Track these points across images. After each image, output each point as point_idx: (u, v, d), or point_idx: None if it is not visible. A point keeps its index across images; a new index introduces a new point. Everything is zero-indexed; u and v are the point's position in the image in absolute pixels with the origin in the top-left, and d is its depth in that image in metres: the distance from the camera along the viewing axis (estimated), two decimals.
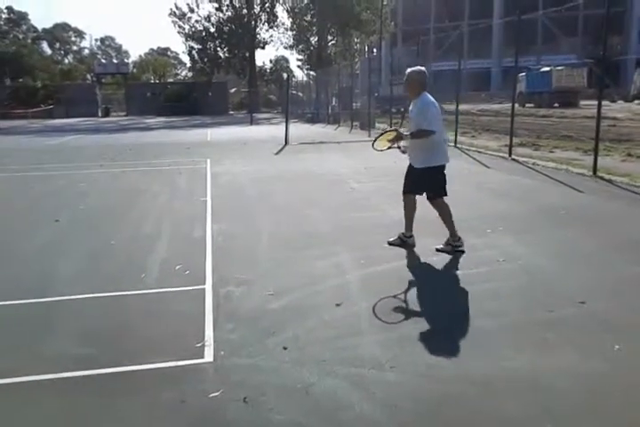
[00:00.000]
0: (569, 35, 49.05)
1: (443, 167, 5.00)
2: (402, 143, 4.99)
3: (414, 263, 4.71)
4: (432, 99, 4.88)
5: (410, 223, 5.19)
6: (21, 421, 2.53)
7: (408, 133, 4.89)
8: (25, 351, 3.22)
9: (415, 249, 5.02)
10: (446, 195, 5.05)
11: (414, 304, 3.79)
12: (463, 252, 4.91)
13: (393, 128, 5.01)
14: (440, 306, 3.78)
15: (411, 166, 5.10)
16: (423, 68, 4.98)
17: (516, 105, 12.99)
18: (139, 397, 2.70)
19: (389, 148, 5.00)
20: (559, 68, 35.80)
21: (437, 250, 4.97)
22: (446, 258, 4.81)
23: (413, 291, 4.06)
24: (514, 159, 11.45)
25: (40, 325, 3.60)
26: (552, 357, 3.00)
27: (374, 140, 5.13)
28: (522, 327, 3.38)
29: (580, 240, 5.30)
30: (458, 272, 4.44)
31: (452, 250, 4.93)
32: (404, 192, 5.17)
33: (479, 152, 13.02)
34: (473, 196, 7.68)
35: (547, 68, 36.30)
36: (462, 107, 16.04)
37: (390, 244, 5.16)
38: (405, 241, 5.17)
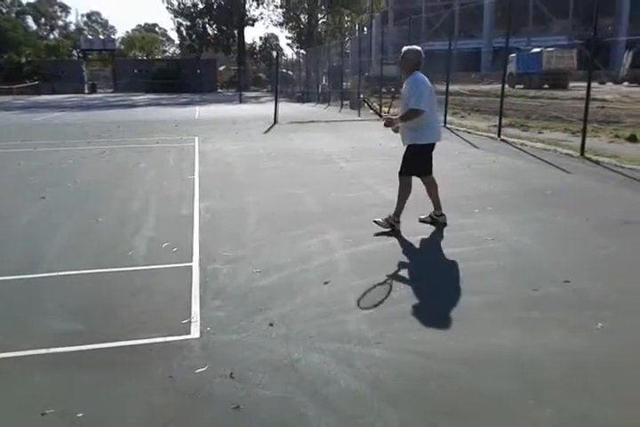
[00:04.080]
0: (560, 16, 48.73)
1: (432, 146, 4.99)
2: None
3: (403, 242, 4.72)
4: (424, 78, 4.85)
5: (437, 201, 5.21)
6: (12, 395, 2.53)
7: (398, 117, 4.87)
8: (14, 327, 3.20)
9: (404, 228, 5.03)
10: (430, 173, 5.09)
11: (402, 282, 3.81)
12: (445, 224, 5.00)
13: (384, 116, 4.95)
14: (427, 284, 3.81)
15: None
16: (419, 48, 4.97)
17: (506, 86, 12.94)
18: (127, 372, 2.70)
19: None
20: (549, 49, 35.65)
21: (375, 222, 5.01)
22: (434, 237, 4.83)
23: (401, 269, 4.08)
24: (503, 140, 11.46)
25: (28, 301, 3.58)
26: (537, 334, 3.04)
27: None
28: (507, 305, 3.42)
29: (567, 220, 5.33)
30: (445, 251, 4.46)
31: (387, 228, 4.96)
32: (399, 173, 5.14)
33: (468, 132, 13.01)
34: (461, 176, 7.69)
35: (537, 50, 36.13)
36: (452, 87, 15.95)
37: (422, 221, 5.25)
38: (436, 220, 5.21)
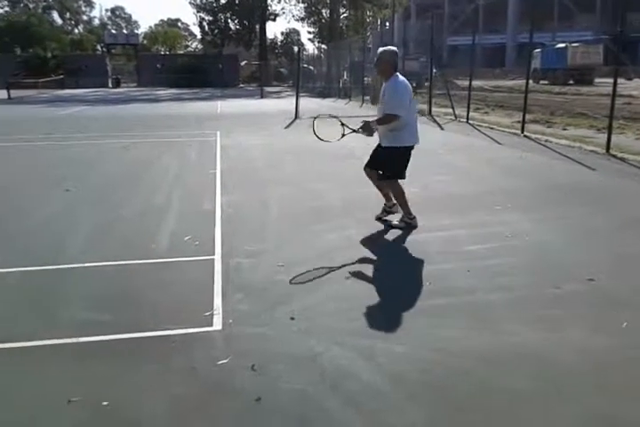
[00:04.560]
0: (586, 11, 47.86)
1: (410, 148, 4.89)
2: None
3: (423, 239, 4.70)
4: (404, 81, 4.77)
5: (385, 194, 5.15)
6: (40, 383, 2.58)
7: (374, 120, 4.76)
8: (40, 316, 3.27)
9: (426, 225, 5.01)
10: (404, 178, 4.96)
11: (423, 278, 3.80)
12: (416, 227, 4.91)
13: (362, 122, 4.80)
14: (448, 281, 3.79)
15: (379, 144, 5.00)
16: (395, 49, 4.87)
17: (530, 82, 12.77)
18: (151, 362, 2.75)
19: (343, 136, 4.94)
20: (575, 44, 35.07)
21: (391, 226, 4.95)
22: (456, 234, 4.80)
23: (423, 265, 4.07)
24: (526, 136, 11.32)
25: (54, 291, 3.65)
26: (559, 332, 3.01)
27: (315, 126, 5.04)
28: (529, 303, 3.39)
29: (591, 218, 5.26)
30: (467, 248, 4.43)
31: (406, 226, 4.92)
32: (366, 166, 5.09)
33: (491, 128, 12.88)
34: (483, 172, 7.63)
35: (562, 45, 35.57)
36: (475, 82, 15.83)
37: (393, 226, 5.13)
38: (390, 211, 5.17)
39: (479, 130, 12.76)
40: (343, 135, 4.94)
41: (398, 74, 4.79)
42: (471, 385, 2.53)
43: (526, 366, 2.68)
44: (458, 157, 8.95)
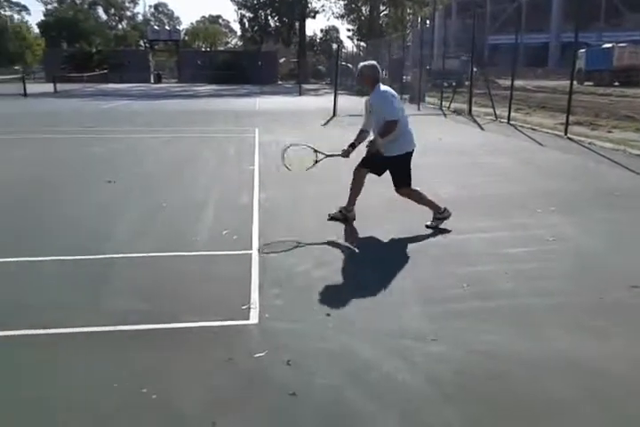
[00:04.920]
0: (634, 10, 46.36)
1: (410, 154, 4.87)
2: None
3: (462, 239, 4.65)
4: (388, 88, 4.84)
5: (354, 198, 5.12)
6: (83, 368, 2.66)
7: (376, 136, 4.72)
8: (84, 304, 3.36)
9: (463, 226, 4.95)
10: (410, 184, 4.92)
11: (461, 279, 3.75)
12: (449, 230, 4.83)
13: (348, 146, 4.98)
14: (487, 283, 3.73)
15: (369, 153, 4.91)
16: (374, 62, 4.92)
17: (574, 82, 12.46)
18: (189, 352, 2.80)
19: (316, 162, 5.06)
20: (622, 44, 34.01)
21: (427, 226, 4.89)
22: (495, 236, 4.73)
23: (461, 267, 4.02)
24: (569, 138, 11.06)
25: (97, 280, 3.75)
26: (601, 340, 2.94)
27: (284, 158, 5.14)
28: (571, 309, 3.32)
29: (636, 223, 5.11)
30: (506, 251, 4.36)
31: (441, 223, 4.88)
32: (360, 165, 5.02)
33: (533, 129, 12.63)
34: (525, 174, 7.49)
35: (608, 45, 34.54)
36: (517, 82, 15.52)
37: (330, 217, 5.17)
38: (346, 216, 5.14)
39: (521, 131, 12.52)
40: (316, 162, 5.08)
41: (381, 84, 4.82)
42: (509, 390, 2.49)
43: (567, 374, 2.62)
44: (498, 158, 8.81)
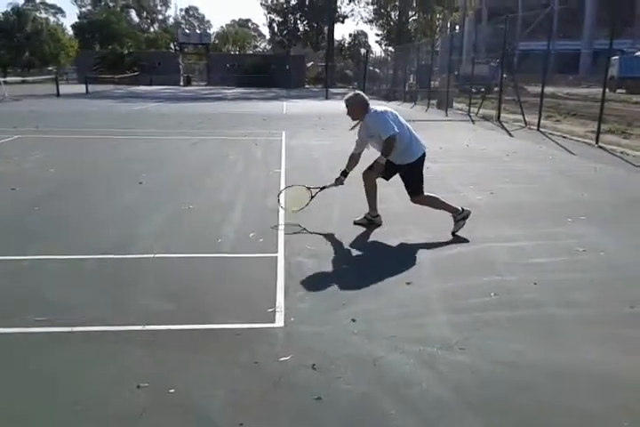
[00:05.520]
0: None
1: (423, 156, 4.87)
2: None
3: (489, 248, 4.60)
4: (375, 109, 4.82)
5: (373, 202, 5.16)
6: (111, 367, 2.71)
7: (381, 156, 4.76)
8: (112, 303, 3.42)
9: (491, 234, 4.90)
10: (423, 190, 4.92)
11: (488, 288, 3.72)
12: (469, 213, 4.89)
13: (338, 179, 5.14)
14: (514, 292, 3.69)
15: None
16: (359, 92, 4.98)
17: (607, 90, 12.24)
18: (215, 354, 2.82)
19: (312, 198, 5.20)
20: None
21: (454, 233, 4.85)
22: (522, 245, 4.67)
23: (489, 276, 3.97)
24: (601, 146, 10.87)
25: (125, 279, 3.82)
26: (632, 354, 2.88)
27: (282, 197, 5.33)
28: (600, 321, 3.26)
29: None
30: (534, 260, 4.30)
31: (463, 223, 4.89)
32: (368, 169, 5.04)
33: (563, 137, 12.44)
34: (554, 182, 7.39)
35: None
36: (548, 89, 15.33)
37: (355, 223, 5.19)
38: (372, 221, 5.15)
39: (550, 138, 12.35)
40: (312, 197, 5.23)
41: (371, 108, 4.84)
42: (535, 401, 2.46)
43: (596, 386, 2.58)
44: (527, 165, 8.71)
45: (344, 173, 5.12)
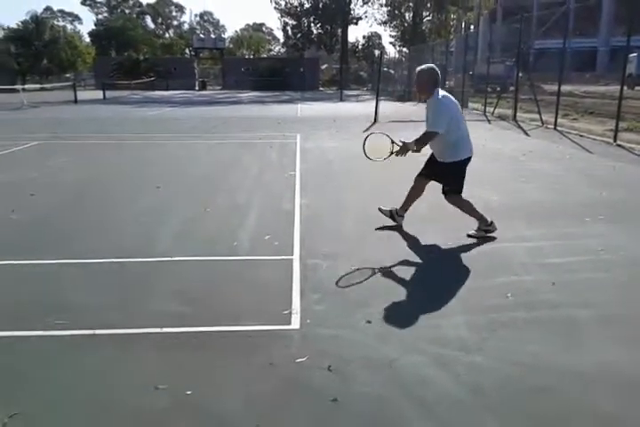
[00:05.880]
0: None
1: (468, 160, 4.78)
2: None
3: (506, 248, 4.56)
4: (444, 96, 4.63)
5: (409, 204, 5.11)
6: (130, 368, 2.74)
7: (413, 141, 4.61)
8: (130, 306, 3.45)
9: (508, 234, 4.86)
10: (461, 192, 4.82)
11: (505, 289, 3.69)
12: (494, 238, 4.74)
13: (400, 142, 4.69)
14: (532, 293, 3.65)
15: (434, 157, 4.89)
16: (432, 66, 4.74)
17: (625, 87, 12.08)
18: (231, 356, 2.84)
19: (391, 154, 4.76)
20: None
21: (469, 235, 4.80)
22: (540, 245, 4.62)
23: (505, 276, 3.94)
24: (619, 145, 10.73)
25: (143, 282, 3.85)
26: None
27: (366, 141, 4.96)
28: (621, 321, 3.21)
29: None
30: (553, 260, 4.25)
31: (484, 234, 4.77)
32: (419, 174, 5.03)
33: (581, 136, 12.31)
34: (572, 181, 7.31)
35: None
36: (565, 88, 15.17)
37: (380, 210, 5.20)
38: (395, 218, 5.13)
39: (568, 137, 12.22)
40: (392, 153, 4.78)
41: (439, 90, 4.67)
42: (555, 404, 2.43)
43: (616, 388, 2.54)
44: (544, 164, 8.62)
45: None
